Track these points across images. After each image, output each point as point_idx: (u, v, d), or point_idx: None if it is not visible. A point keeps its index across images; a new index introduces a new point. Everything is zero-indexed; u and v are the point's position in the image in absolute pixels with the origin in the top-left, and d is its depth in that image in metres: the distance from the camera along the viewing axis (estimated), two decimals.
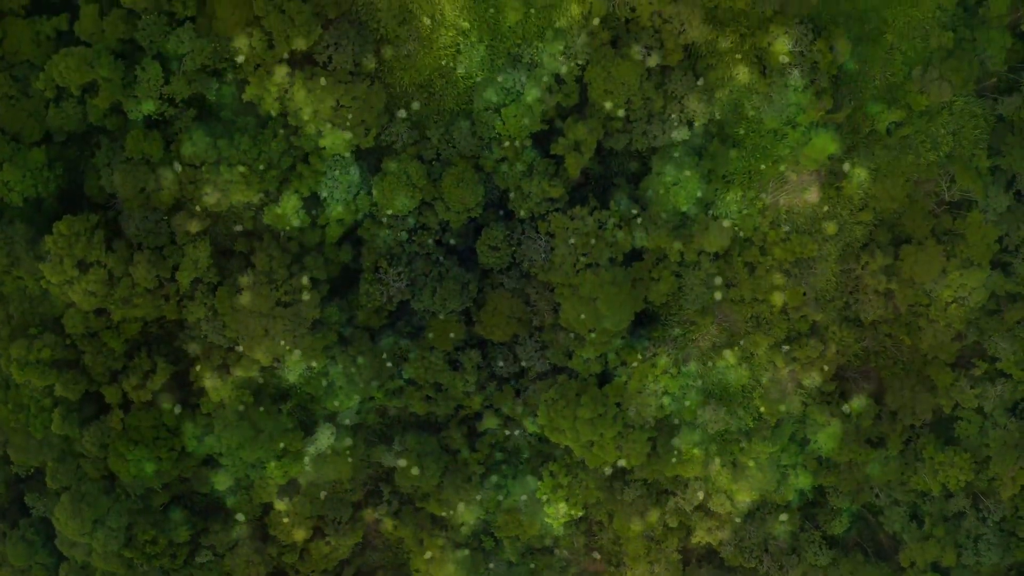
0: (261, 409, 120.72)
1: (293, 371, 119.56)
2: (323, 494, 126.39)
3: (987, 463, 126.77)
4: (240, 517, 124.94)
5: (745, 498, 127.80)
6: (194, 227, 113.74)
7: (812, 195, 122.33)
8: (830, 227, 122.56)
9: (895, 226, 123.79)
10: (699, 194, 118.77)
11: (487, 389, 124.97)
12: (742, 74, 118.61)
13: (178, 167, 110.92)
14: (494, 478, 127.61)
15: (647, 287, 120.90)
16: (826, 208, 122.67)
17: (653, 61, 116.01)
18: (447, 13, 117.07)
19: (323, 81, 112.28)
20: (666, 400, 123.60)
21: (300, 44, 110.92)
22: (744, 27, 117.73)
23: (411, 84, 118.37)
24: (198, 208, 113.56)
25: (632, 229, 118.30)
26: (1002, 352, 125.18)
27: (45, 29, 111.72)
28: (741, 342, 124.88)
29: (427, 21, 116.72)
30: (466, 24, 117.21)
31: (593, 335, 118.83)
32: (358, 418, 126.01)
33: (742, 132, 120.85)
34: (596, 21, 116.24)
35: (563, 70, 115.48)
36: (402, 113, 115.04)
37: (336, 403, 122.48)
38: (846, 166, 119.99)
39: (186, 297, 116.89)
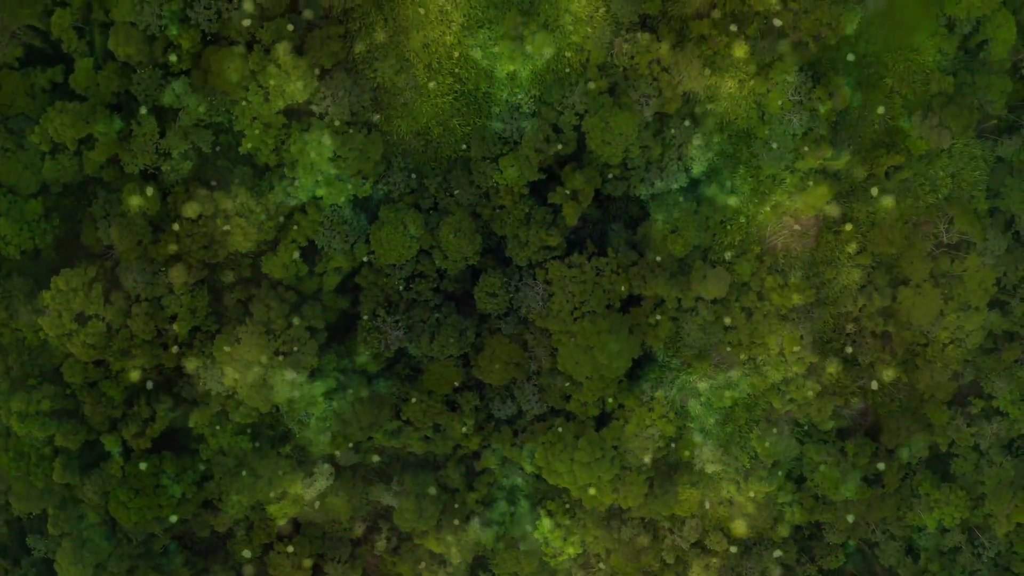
0: (259, 449, 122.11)
1: (292, 417, 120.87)
2: (323, 532, 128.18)
3: (983, 499, 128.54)
4: (247, 554, 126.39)
5: (741, 535, 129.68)
6: (192, 278, 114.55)
7: (810, 240, 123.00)
8: (828, 272, 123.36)
9: (893, 267, 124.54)
10: (697, 241, 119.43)
11: (485, 430, 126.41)
12: (740, 120, 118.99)
13: (176, 226, 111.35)
14: (492, 516, 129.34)
15: (645, 332, 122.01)
16: (824, 253, 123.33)
17: (651, 110, 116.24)
18: (444, 63, 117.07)
19: (320, 133, 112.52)
20: (663, 443, 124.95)
21: (297, 97, 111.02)
22: (743, 73, 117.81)
23: (408, 132, 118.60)
24: (195, 260, 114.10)
25: (630, 276, 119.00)
26: (999, 391, 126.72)
27: (40, 81, 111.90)
28: (739, 384, 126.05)
29: (424, 70, 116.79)
30: (464, 74, 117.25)
31: (591, 381, 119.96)
32: (357, 457, 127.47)
33: (740, 177, 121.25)
34: (594, 69, 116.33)
35: (561, 120, 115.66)
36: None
37: (335, 445, 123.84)
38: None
39: (184, 345, 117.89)
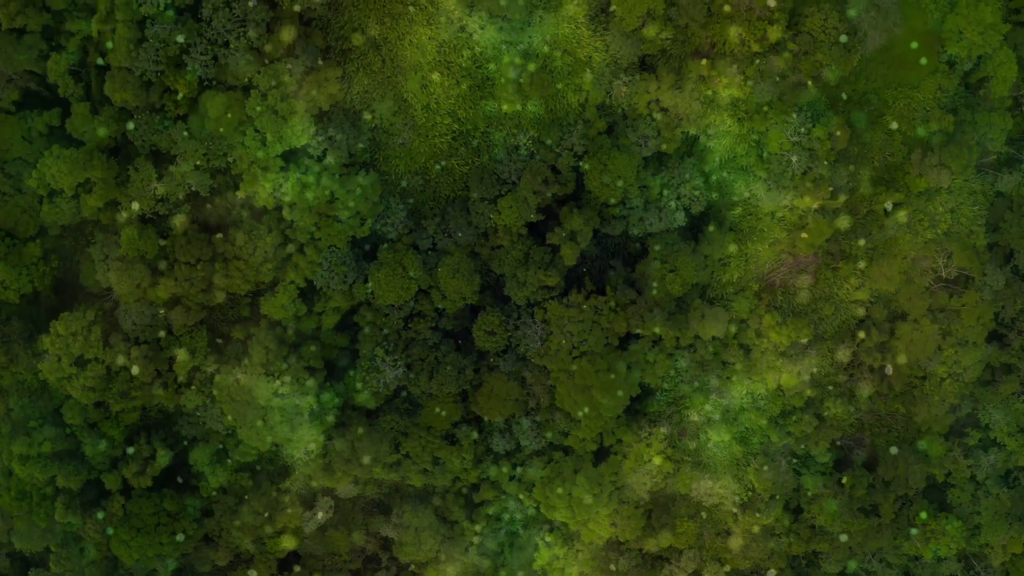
0: (259, 485, 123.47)
1: (291, 454, 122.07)
2: (323, 565, 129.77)
3: (979, 530, 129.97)
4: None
5: (739, 566, 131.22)
6: (191, 319, 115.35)
7: (808, 277, 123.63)
8: (826, 308, 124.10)
9: (891, 302, 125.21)
10: (695, 280, 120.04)
11: (484, 463, 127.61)
12: (740, 159, 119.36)
13: (175, 270, 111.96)
14: (491, 548, 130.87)
15: (643, 369, 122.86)
16: (823, 289, 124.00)
17: (650, 150, 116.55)
18: (442, 103, 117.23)
19: (319, 175, 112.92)
20: (661, 477, 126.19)
21: (295, 142, 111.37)
22: (742, 112, 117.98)
23: (407, 172, 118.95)
24: (193, 303, 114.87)
25: (628, 316, 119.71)
26: (996, 422, 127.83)
27: (36, 125, 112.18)
28: (736, 418, 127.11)
29: (422, 110, 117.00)
30: (462, 114, 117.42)
31: (589, 419, 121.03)
32: (356, 490, 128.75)
33: (739, 215, 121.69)
34: (592, 110, 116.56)
35: (559, 161, 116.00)
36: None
37: (334, 480, 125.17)
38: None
39: (184, 385, 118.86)
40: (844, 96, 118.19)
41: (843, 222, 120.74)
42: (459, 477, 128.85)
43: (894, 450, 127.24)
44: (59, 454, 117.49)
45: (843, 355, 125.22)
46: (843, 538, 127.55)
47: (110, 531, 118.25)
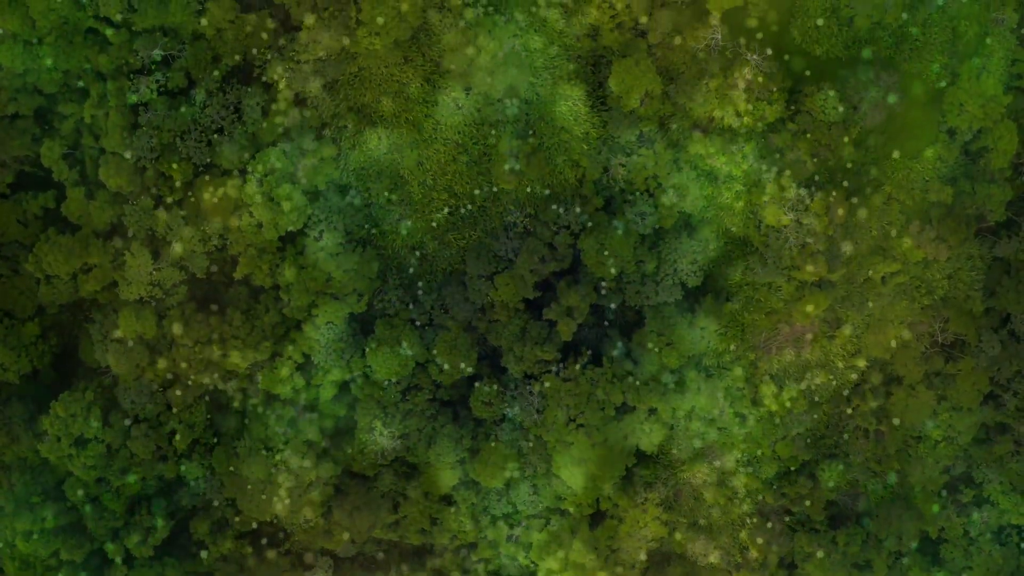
0: (260, 552, 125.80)
1: (291, 523, 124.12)
2: None
3: None
4: None
5: None
6: (190, 396, 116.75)
7: (805, 345, 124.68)
8: (822, 375, 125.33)
9: (887, 366, 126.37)
10: (692, 352, 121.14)
11: (481, 523, 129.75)
12: (737, 229, 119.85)
13: (173, 352, 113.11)
14: None
15: (639, 437, 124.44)
16: (819, 356, 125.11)
17: (647, 227, 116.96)
18: (439, 179, 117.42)
19: (315, 256, 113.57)
20: (657, 540, 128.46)
21: (291, 227, 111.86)
22: (740, 185, 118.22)
23: (403, 247, 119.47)
24: (192, 381, 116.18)
25: (624, 388, 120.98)
26: (989, 481, 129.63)
27: (32, 208, 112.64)
28: (733, 480, 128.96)
29: (418, 187, 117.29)
30: (459, 189, 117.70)
31: (585, 490, 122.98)
32: (355, 548, 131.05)
33: (736, 285, 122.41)
34: (590, 186, 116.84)
35: (556, 239, 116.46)
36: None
37: (334, 542, 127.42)
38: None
39: (184, 457, 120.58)
40: (844, 168, 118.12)
41: (840, 292, 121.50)
42: (457, 535, 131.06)
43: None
44: (62, 528, 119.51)
45: (838, 419, 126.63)
46: None
47: None
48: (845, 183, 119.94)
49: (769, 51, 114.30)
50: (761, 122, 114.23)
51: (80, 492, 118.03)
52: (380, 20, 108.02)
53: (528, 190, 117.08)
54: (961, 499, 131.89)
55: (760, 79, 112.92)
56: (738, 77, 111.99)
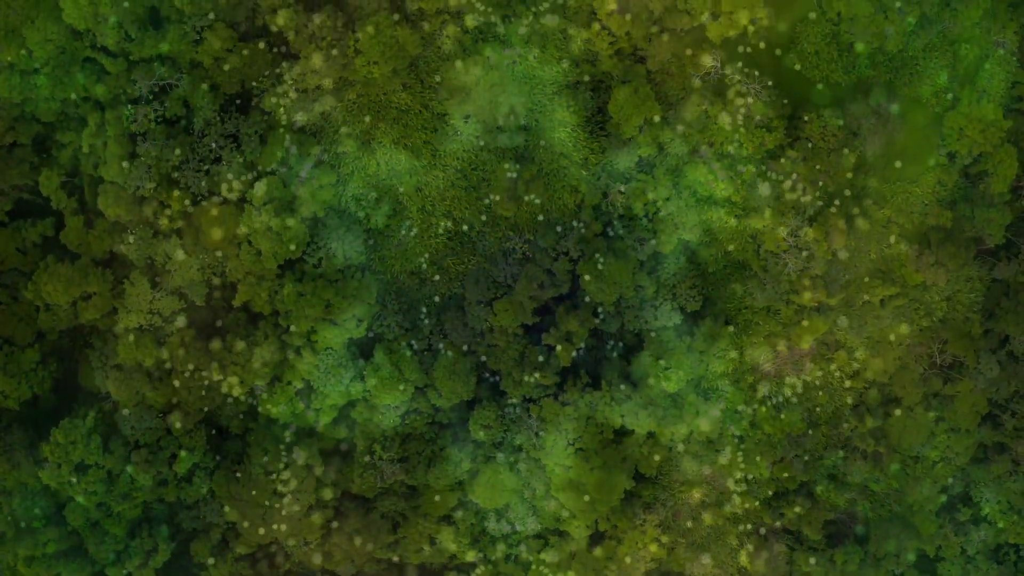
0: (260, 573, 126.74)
1: (290, 546, 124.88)
2: None
3: None
4: None
5: None
6: (189, 421, 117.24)
7: (803, 368, 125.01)
8: (821, 396, 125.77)
9: (885, 387, 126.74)
10: (691, 376, 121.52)
11: (480, 543, 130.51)
12: (736, 252, 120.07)
13: (173, 380, 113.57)
14: None
15: (637, 460, 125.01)
16: (817, 378, 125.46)
17: (646, 252, 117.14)
18: (438, 205, 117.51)
19: (314, 283, 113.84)
20: (655, 562, 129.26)
21: (290, 256, 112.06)
22: (739, 210, 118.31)
23: (402, 272, 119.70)
24: (192, 408, 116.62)
25: (623, 412, 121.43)
26: (987, 500, 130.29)
27: (31, 236, 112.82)
28: (730, 501, 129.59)
29: (417, 212, 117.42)
30: (458, 214, 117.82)
31: (583, 512, 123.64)
32: (354, 567, 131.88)
33: (734, 308, 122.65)
34: (589, 211, 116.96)
35: (555, 265, 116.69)
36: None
37: (333, 563, 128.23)
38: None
39: (184, 480, 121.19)
40: (843, 193, 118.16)
41: (838, 317, 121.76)
42: (456, 556, 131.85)
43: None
44: (63, 552, 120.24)
45: (836, 440, 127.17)
46: None
47: None
48: (844, 208, 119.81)
49: (770, 82, 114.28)
50: (760, 149, 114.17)
51: (81, 517, 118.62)
52: (377, 50, 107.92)
53: (527, 216, 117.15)
54: (959, 517, 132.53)
55: (759, 106, 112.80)
56: (739, 105, 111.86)
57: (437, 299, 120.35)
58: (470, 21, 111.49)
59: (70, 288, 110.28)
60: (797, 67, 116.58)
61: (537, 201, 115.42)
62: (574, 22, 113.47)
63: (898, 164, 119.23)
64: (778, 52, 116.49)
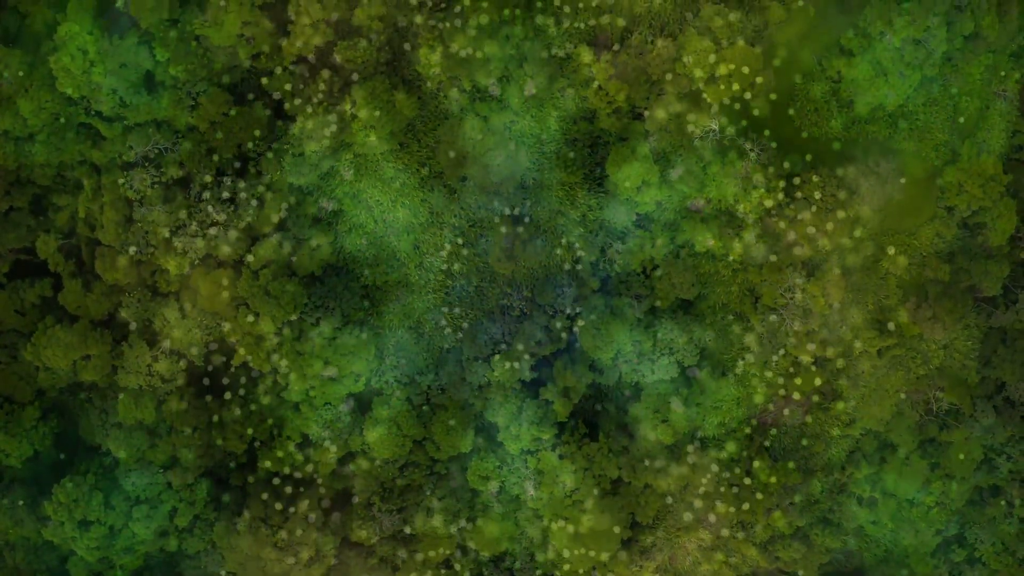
0: None
1: None
2: None
3: None
4: None
5: None
6: (189, 478, 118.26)
7: (799, 417, 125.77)
8: (817, 445, 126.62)
9: (881, 434, 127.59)
10: (687, 429, 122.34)
11: None
12: (733, 304, 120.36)
13: (173, 437, 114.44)
14: None
15: (634, 509, 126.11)
16: (814, 427, 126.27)
17: (643, 308, 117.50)
18: (435, 262, 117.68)
19: (312, 342, 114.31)
20: None
21: (287, 318, 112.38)
22: (737, 264, 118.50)
23: (400, 326, 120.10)
24: (192, 464, 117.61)
25: (620, 464, 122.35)
26: (981, 543, 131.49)
27: (29, 297, 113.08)
28: (726, 546, 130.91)
29: (415, 268, 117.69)
30: (457, 268, 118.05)
31: (580, 560, 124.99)
32: None
33: (732, 360, 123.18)
34: (587, 267, 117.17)
35: (552, 322, 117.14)
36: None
37: None
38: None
39: (185, 532, 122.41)
40: (842, 249, 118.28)
41: (835, 367, 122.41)
42: None
43: None
44: None
45: (832, 486, 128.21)
46: None
47: None
48: (842, 262, 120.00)
49: (773, 145, 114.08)
50: (759, 207, 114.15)
51: (84, 571, 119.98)
52: (376, 114, 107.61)
53: (525, 273, 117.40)
54: (953, 558, 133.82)
55: (758, 166, 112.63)
56: (738, 167, 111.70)
57: (435, 354, 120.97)
58: (467, 83, 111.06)
59: (69, 352, 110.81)
60: (796, 124, 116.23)
61: (535, 259, 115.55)
62: (572, 82, 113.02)
63: (896, 218, 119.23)
64: (777, 110, 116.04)
